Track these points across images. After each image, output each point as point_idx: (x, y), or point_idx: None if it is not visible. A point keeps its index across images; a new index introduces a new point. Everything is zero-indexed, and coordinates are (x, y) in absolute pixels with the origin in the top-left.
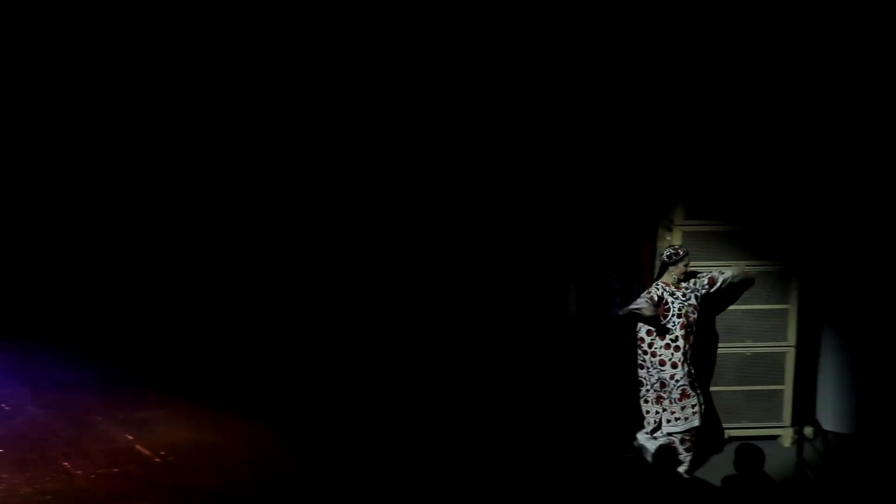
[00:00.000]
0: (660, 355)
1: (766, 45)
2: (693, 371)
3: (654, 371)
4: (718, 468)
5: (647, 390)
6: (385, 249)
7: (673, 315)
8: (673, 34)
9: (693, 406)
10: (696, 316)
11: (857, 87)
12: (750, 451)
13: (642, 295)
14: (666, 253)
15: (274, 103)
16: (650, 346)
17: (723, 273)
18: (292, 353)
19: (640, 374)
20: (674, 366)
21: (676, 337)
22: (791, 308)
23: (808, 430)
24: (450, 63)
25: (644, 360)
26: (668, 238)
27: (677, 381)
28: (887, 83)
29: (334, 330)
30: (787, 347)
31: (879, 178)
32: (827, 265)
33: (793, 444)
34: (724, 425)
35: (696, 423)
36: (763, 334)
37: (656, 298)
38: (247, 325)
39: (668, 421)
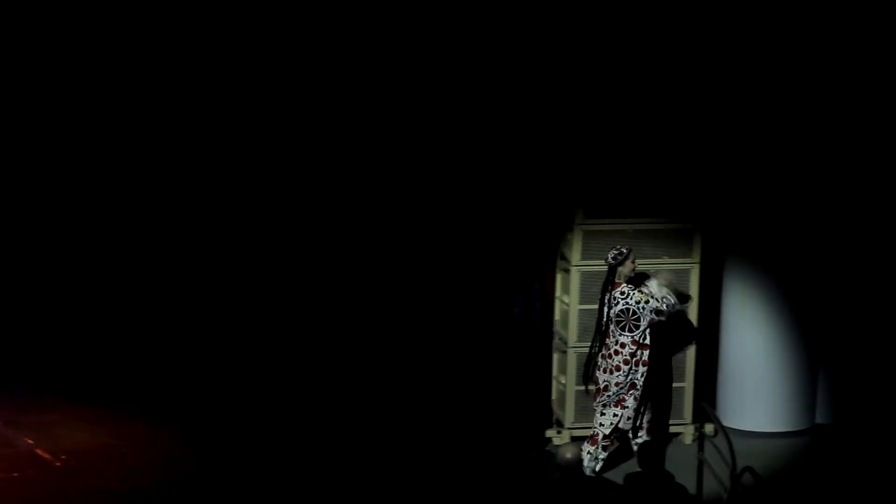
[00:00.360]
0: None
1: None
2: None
3: (632, 373)
4: (621, 466)
5: (610, 395)
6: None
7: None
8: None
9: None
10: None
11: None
12: (652, 449)
13: (651, 299)
14: (611, 255)
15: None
16: (623, 346)
17: (664, 302)
18: (198, 356)
19: (604, 380)
20: (644, 364)
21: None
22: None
23: (709, 428)
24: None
25: (620, 364)
26: (570, 238)
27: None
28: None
29: (245, 331)
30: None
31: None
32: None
33: (694, 441)
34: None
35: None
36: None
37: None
38: (147, 327)
39: (629, 418)
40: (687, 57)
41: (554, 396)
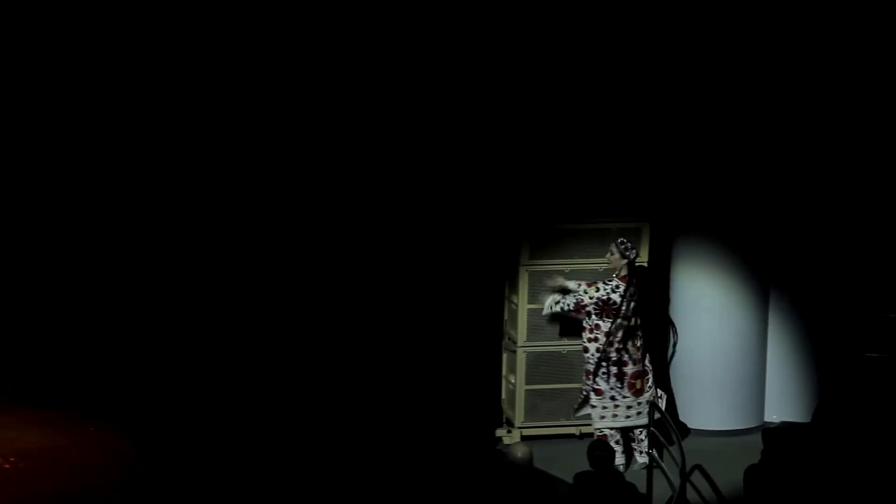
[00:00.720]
0: (603, 351)
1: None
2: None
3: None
4: (571, 464)
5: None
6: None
7: (615, 314)
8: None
9: (628, 407)
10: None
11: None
12: (601, 447)
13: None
14: (625, 249)
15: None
16: (595, 340)
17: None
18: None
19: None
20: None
21: (621, 337)
22: None
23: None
24: None
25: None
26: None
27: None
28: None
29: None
30: None
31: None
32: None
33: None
34: (576, 421)
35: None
36: None
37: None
38: (95, 328)
39: (603, 417)
40: (628, 58)
41: (503, 396)
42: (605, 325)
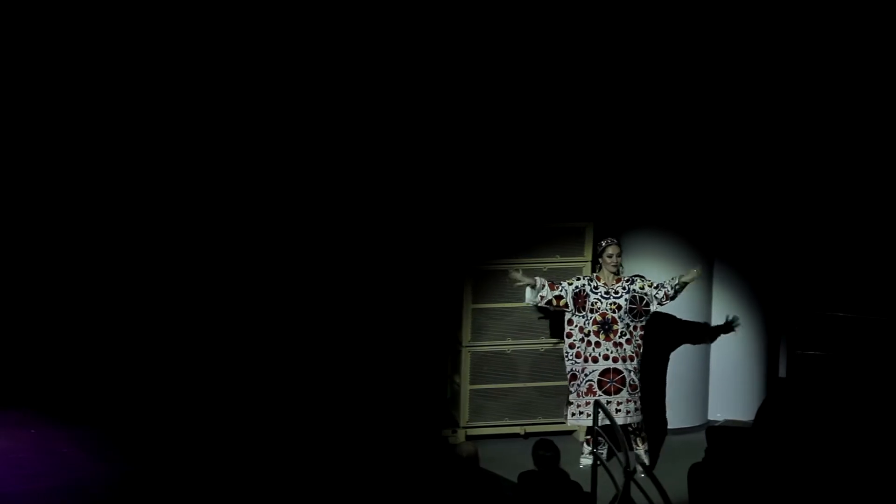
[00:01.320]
0: (577, 347)
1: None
2: (627, 369)
3: (569, 363)
4: (515, 463)
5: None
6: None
7: (587, 309)
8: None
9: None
10: (618, 315)
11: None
12: (546, 447)
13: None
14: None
15: None
16: (569, 335)
17: (673, 280)
18: (94, 358)
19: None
20: (586, 360)
21: (589, 332)
22: None
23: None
24: None
25: (567, 352)
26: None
27: (587, 375)
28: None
29: (138, 331)
30: None
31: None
32: None
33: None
34: (521, 421)
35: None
36: (558, 332)
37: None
38: (41, 329)
39: (574, 414)
40: (570, 60)
41: (448, 396)
42: (578, 320)
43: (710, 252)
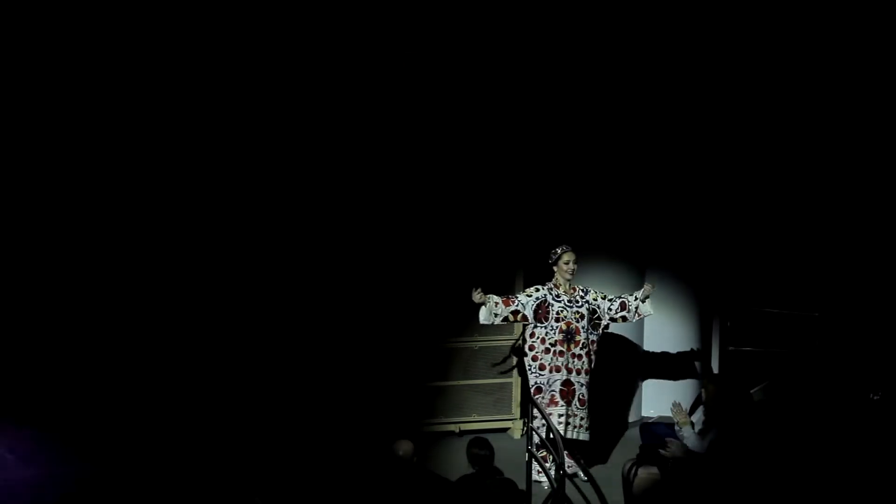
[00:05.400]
0: (540, 359)
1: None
2: (579, 382)
3: (532, 376)
4: (451, 462)
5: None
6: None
7: (551, 319)
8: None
9: (559, 416)
10: (581, 325)
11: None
12: (480, 444)
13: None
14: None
15: None
16: (531, 348)
17: (633, 295)
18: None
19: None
20: (551, 371)
21: (555, 342)
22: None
23: (536, 422)
24: None
25: (530, 365)
26: None
27: (550, 385)
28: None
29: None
30: (512, 340)
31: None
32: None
33: (522, 436)
34: (456, 419)
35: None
36: (490, 329)
37: (521, 302)
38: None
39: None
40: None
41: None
42: (540, 332)
43: (642, 258)
